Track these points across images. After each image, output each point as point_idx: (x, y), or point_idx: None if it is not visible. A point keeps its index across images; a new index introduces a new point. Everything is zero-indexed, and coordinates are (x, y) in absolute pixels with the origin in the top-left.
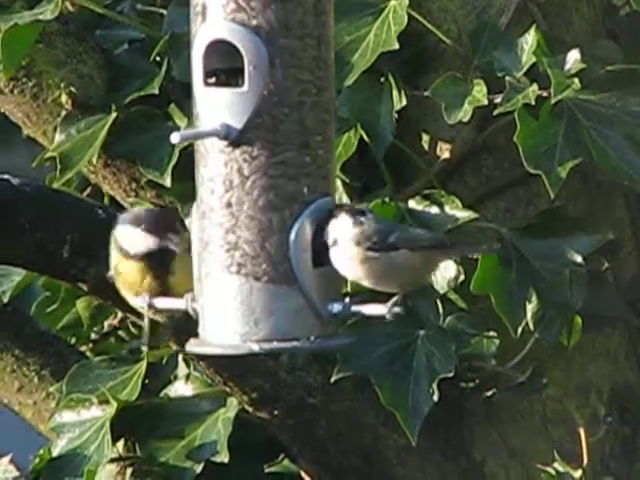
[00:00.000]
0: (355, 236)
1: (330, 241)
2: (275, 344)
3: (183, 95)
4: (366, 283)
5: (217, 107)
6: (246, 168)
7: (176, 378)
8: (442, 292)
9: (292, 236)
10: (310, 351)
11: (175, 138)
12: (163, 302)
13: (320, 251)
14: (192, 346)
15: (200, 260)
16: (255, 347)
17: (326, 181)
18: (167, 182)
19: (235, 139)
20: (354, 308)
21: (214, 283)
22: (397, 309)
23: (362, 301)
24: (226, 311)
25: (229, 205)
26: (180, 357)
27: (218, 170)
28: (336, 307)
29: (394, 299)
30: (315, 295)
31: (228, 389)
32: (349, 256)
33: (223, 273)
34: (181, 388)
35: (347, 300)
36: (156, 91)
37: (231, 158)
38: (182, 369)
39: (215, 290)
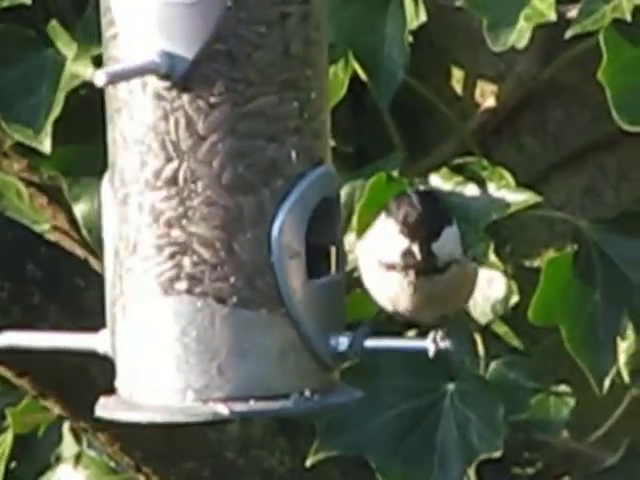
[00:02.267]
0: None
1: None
2: (253, 404)
3: (73, 7)
4: (404, 313)
5: (149, 26)
6: (201, 123)
7: (59, 460)
8: (484, 322)
9: (275, 231)
10: (307, 412)
11: (100, 78)
12: (43, 338)
13: (318, 254)
14: (111, 411)
15: (119, 272)
16: (223, 410)
17: (319, 140)
18: (46, 146)
19: (183, 77)
20: (369, 343)
21: (147, 308)
22: (445, 342)
23: (378, 332)
24: (168, 353)
25: (173, 182)
26: (66, 427)
27: (154, 126)
28: (342, 341)
29: (442, 329)
30: (311, 324)
31: (143, 478)
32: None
33: (163, 292)
34: (68, 475)
35: (358, 331)
36: (28, 0)
37: (175, 107)
38: (69, 445)
39: (148, 320)
